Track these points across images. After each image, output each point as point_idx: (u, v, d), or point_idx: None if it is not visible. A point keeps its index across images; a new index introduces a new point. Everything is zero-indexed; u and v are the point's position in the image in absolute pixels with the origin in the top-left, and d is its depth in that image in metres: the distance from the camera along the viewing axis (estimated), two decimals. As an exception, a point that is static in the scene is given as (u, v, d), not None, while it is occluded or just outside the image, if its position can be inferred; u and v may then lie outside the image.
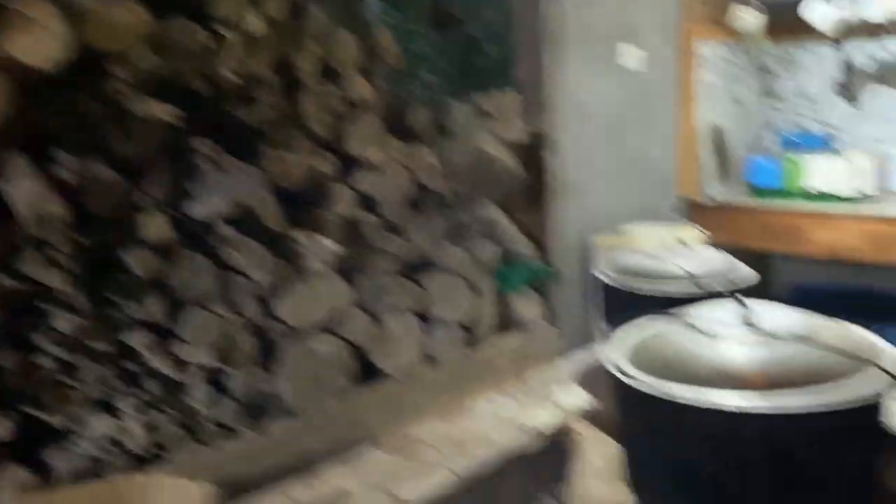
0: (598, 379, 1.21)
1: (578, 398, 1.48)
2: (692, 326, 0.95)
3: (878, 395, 0.85)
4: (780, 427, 0.82)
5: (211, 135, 1.50)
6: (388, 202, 1.81)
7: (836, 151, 3.05)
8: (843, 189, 2.81)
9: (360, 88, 1.80)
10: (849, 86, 3.21)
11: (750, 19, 3.08)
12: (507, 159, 2.17)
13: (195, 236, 1.49)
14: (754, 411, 0.80)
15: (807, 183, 2.91)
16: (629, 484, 1.02)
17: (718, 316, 0.96)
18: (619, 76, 2.78)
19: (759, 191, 3.03)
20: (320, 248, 1.66)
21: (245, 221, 1.55)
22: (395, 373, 1.83)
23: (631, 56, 2.79)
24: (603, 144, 2.69)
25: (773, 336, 0.89)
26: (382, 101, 1.87)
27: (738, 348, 0.88)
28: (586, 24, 2.62)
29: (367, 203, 1.79)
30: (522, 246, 2.46)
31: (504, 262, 2.35)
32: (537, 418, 1.41)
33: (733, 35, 3.18)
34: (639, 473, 0.98)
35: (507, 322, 2.32)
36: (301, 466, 1.35)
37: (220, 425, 1.49)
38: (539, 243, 2.53)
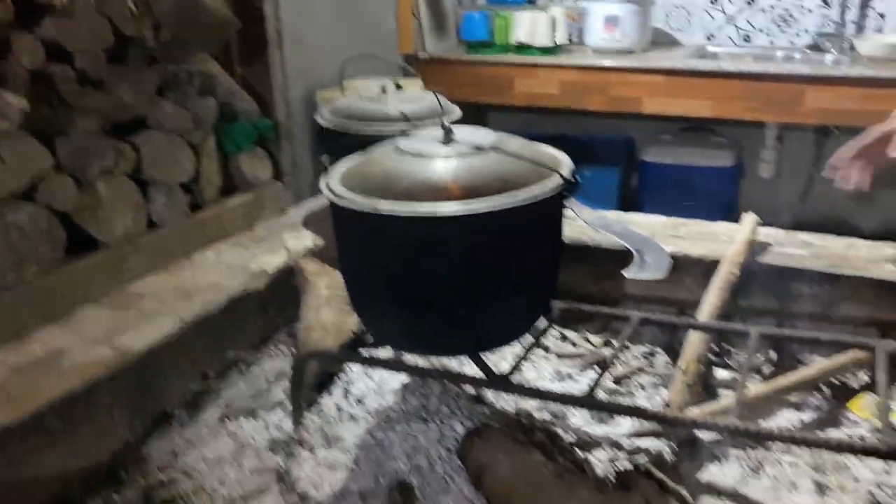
0: (323, 219, 1.24)
1: (306, 240, 1.52)
2: (399, 150, 1.01)
3: (556, 197, 0.98)
4: (475, 227, 0.92)
5: None
6: (83, 53, 1.63)
7: (538, 6, 3.29)
8: (543, 41, 3.05)
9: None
10: (547, -57, 3.42)
11: None
12: (218, 4, 2.04)
13: None
14: (451, 214, 0.89)
15: (512, 36, 3.11)
16: (352, 305, 1.09)
17: (424, 139, 1.02)
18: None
19: (471, 45, 3.20)
20: (5, 107, 1.46)
21: None
22: (110, 240, 1.72)
23: None
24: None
25: (471, 152, 0.98)
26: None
27: (440, 163, 0.96)
28: None
29: (59, 54, 1.60)
30: (244, 101, 2.37)
31: (226, 119, 2.26)
32: (266, 262, 1.43)
33: None
34: (357, 292, 1.05)
35: (233, 181, 2.26)
36: (11, 339, 1.25)
37: None
38: (262, 98, 2.45)
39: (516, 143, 1.05)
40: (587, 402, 0.91)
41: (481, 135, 1.04)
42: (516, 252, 0.97)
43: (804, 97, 2.65)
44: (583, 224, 1.56)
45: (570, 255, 1.56)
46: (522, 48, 3.09)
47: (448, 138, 1.01)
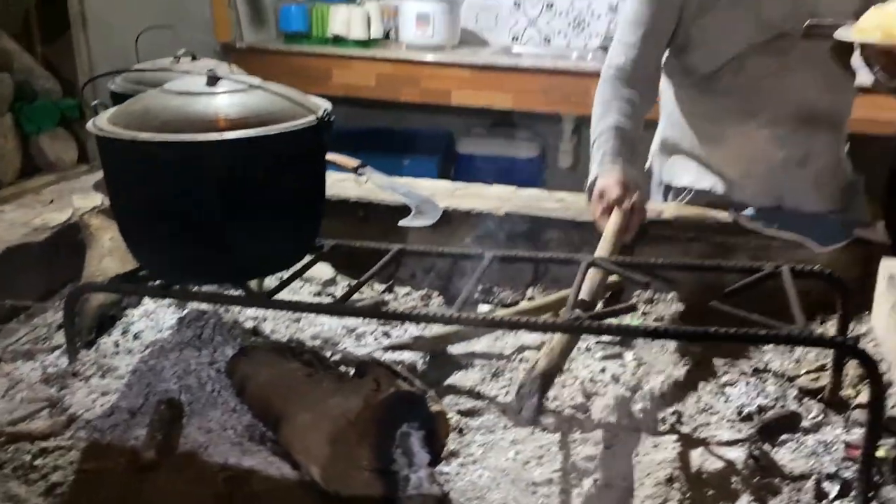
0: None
1: (96, 200, 1.54)
2: (164, 90, 1.08)
3: (311, 133, 1.09)
4: (230, 156, 1.01)
5: None
6: None
7: (354, 1, 3.42)
8: (358, 34, 3.18)
9: None
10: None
11: None
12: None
13: None
14: (213, 140, 0.98)
15: (329, 29, 3.23)
16: (125, 242, 1.15)
17: (192, 81, 1.11)
18: None
19: (289, 36, 3.28)
20: None
21: None
22: None
23: None
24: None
25: (233, 90, 1.07)
26: None
27: (202, 99, 1.04)
28: None
29: None
30: (45, 80, 2.34)
31: (25, 97, 2.22)
32: (50, 218, 1.45)
33: None
34: (127, 228, 1.11)
35: (34, 162, 2.22)
36: None
37: None
38: (66, 79, 2.42)
39: (280, 88, 1.16)
40: (336, 308, 1.02)
41: (246, 78, 1.14)
42: (272, 183, 1.07)
43: (589, 90, 2.94)
44: (374, 186, 1.70)
45: (362, 213, 1.69)
46: (339, 41, 3.21)
47: (213, 80, 1.09)
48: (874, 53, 1.30)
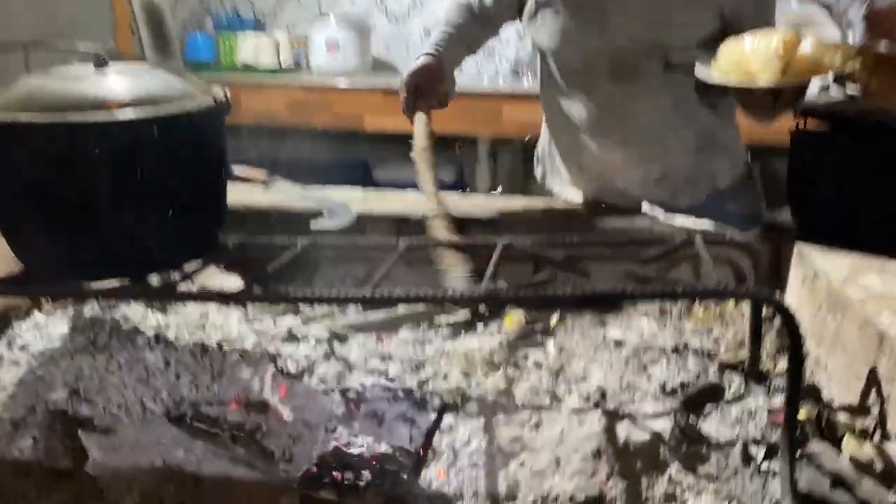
0: None
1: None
2: (49, 72, 1.01)
3: (207, 117, 1.04)
4: (126, 137, 0.95)
5: None
6: None
7: (263, 31, 3.39)
8: (267, 63, 3.15)
9: None
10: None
11: None
12: None
13: None
14: (101, 121, 0.92)
15: (238, 58, 3.18)
16: (13, 248, 1.06)
17: (78, 65, 1.04)
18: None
19: (196, 65, 3.21)
20: None
21: None
22: None
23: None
24: (26, 7, 2.53)
25: (127, 71, 1.01)
26: None
27: (91, 80, 0.98)
28: None
29: None
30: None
31: None
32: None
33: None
34: (14, 229, 1.02)
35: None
36: None
37: None
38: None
39: (175, 71, 1.10)
40: (242, 296, 0.97)
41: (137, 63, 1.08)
42: (168, 168, 1.00)
43: (503, 112, 2.99)
44: (283, 196, 1.65)
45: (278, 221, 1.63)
46: (248, 69, 3.16)
47: (100, 62, 1.03)
48: (733, 91, 1.32)
